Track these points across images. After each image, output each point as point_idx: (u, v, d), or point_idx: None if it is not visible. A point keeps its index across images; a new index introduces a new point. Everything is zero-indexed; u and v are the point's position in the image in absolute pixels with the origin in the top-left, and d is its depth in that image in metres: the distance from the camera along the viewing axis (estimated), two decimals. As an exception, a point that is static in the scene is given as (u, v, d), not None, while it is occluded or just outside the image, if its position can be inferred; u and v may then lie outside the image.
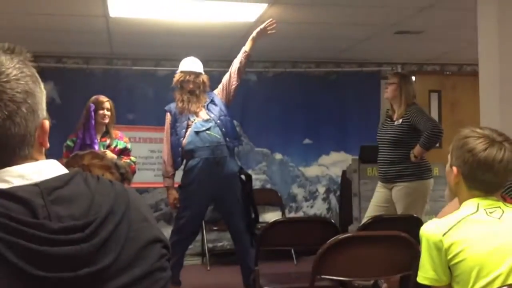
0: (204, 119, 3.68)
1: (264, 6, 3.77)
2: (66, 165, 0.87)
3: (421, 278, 1.55)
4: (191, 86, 3.69)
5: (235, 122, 4.26)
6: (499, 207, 1.55)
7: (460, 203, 1.61)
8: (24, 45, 0.88)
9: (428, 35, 4.64)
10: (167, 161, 3.78)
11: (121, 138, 3.84)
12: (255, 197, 3.85)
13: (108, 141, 3.76)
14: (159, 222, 5.21)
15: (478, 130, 1.58)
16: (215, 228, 5.11)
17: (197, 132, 3.65)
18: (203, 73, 3.76)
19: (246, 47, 3.71)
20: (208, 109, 3.72)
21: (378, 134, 3.86)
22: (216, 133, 3.65)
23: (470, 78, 5.28)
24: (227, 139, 3.67)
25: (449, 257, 1.49)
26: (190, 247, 4.02)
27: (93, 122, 3.71)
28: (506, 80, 2.98)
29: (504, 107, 2.98)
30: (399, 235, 2.21)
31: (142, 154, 4.98)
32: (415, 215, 3.24)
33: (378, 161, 3.81)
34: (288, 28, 4.22)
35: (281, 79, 5.64)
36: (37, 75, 0.85)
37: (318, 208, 5.70)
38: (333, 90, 5.71)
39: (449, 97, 5.98)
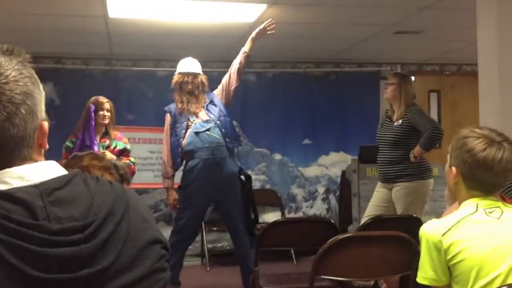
0: (204, 120, 3.68)
1: (263, 6, 3.77)
2: (66, 166, 0.87)
3: (420, 278, 1.55)
4: (190, 87, 3.69)
5: (234, 122, 4.26)
6: (499, 207, 1.55)
7: (460, 203, 1.61)
8: (23, 46, 0.88)
9: (427, 35, 4.64)
10: (167, 162, 3.78)
11: (120, 139, 3.84)
12: (255, 198, 3.85)
13: (107, 142, 3.76)
14: (159, 222, 5.21)
15: (477, 130, 1.58)
16: (214, 228, 5.11)
17: (196, 133, 3.65)
18: (201, 73, 3.76)
19: (246, 47, 3.71)
20: (207, 109, 3.72)
21: (377, 134, 3.86)
22: (216, 134, 3.65)
23: (469, 78, 5.29)
24: (227, 139, 3.67)
25: (448, 257, 1.49)
26: (189, 247, 4.02)
27: (93, 123, 3.71)
28: (505, 80, 2.99)
29: (504, 107, 2.98)
30: (399, 235, 2.21)
31: (141, 154, 4.98)
32: (414, 215, 3.24)
33: (378, 161, 3.81)
34: (288, 29, 4.22)
35: (281, 80, 5.65)
36: (36, 76, 0.86)
37: (318, 208, 5.70)
38: (333, 90, 5.71)
39: (449, 97, 5.98)
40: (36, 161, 0.84)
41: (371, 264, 2.25)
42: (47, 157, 0.87)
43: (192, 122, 3.68)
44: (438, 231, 1.51)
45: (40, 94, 0.85)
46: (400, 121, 3.68)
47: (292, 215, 5.56)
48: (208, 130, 3.65)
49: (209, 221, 4.92)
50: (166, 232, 4.05)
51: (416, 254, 1.65)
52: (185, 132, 3.68)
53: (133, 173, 3.81)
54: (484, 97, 3.10)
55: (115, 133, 3.84)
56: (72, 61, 5.32)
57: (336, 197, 5.67)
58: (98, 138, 3.74)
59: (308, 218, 4.83)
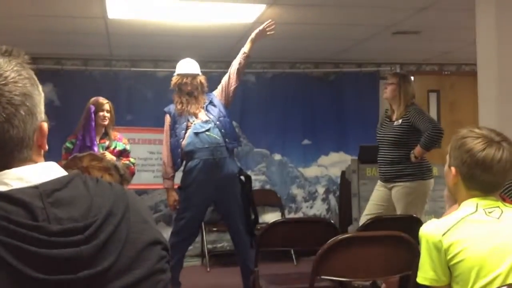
0: (203, 120, 3.68)
1: (262, 7, 3.77)
2: (65, 167, 0.87)
3: (420, 279, 1.55)
4: (189, 88, 3.69)
5: (234, 123, 4.26)
6: (498, 207, 1.55)
7: (459, 203, 1.61)
8: (23, 46, 0.88)
9: (426, 35, 4.65)
10: (167, 163, 3.78)
11: (120, 140, 3.84)
12: (255, 198, 3.84)
13: (107, 143, 3.76)
14: (159, 223, 5.21)
15: (476, 130, 1.58)
16: (214, 229, 5.11)
17: (196, 133, 3.65)
18: (200, 74, 3.76)
19: (245, 48, 3.71)
20: (207, 110, 3.72)
21: (377, 134, 3.86)
22: (216, 134, 3.65)
23: (468, 78, 5.29)
24: (227, 140, 3.67)
25: (448, 257, 1.49)
26: (190, 248, 4.02)
27: (93, 123, 3.71)
28: (504, 79, 2.99)
29: (503, 107, 2.98)
30: (399, 236, 2.21)
31: (141, 155, 4.98)
32: (414, 215, 3.24)
33: (378, 161, 3.81)
34: (287, 29, 4.22)
35: (280, 80, 5.65)
36: (35, 77, 0.85)
37: (318, 208, 5.70)
38: (332, 90, 5.71)
39: (448, 97, 5.98)
40: (35, 162, 0.84)
41: (371, 264, 2.25)
42: (47, 158, 0.87)
43: (192, 123, 3.68)
44: (438, 231, 1.51)
45: (39, 95, 0.85)
46: (400, 120, 3.68)
47: (292, 215, 5.57)
48: (207, 130, 3.65)
49: (209, 222, 4.92)
50: (166, 233, 4.05)
51: (416, 254, 1.65)
52: (185, 133, 3.68)
53: (132, 173, 3.81)
54: (483, 96, 3.10)
55: (114, 134, 3.84)
56: (72, 62, 5.32)
57: (336, 197, 5.68)
58: (98, 139, 3.74)
59: (308, 219, 4.83)
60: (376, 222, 2.96)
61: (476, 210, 1.53)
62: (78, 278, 0.75)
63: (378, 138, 3.85)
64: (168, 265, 0.87)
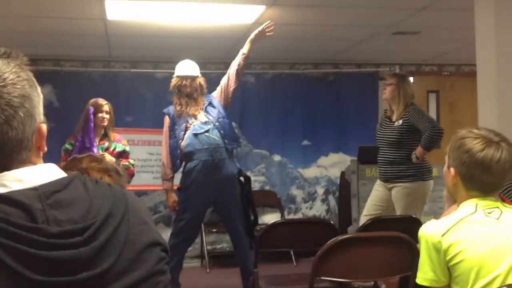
0: (203, 121, 3.68)
1: (262, 8, 3.77)
2: (65, 169, 0.87)
3: (420, 279, 1.55)
4: (188, 90, 3.69)
5: (233, 124, 4.26)
6: (498, 207, 1.55)
7: (458, 204, 1.61)
8: (22, 48, 0.88)
9: (425, 35, 4.65)
10: (166, 164, 3.78)
11: (119, 141, 3.84)
12: (254, 199, 3.84)
13: (106, 144, 3.76)
14: (158, 224, 5.21)
15: (475, 130, 1.58)
16: (214, 230, 5.11)
17: (195, 134, 3.65)
18: (199, 75, 3.76)
19: (244, 49, 3.71)
20: (206, 111, 3.72)
21: (377, 135, 3.86)
22: (215, 135, 3.65)
23: (468, 78, 5.29)
24: (226, 141, 3.67)
25: (448, 258, 1.49)
26: (189, 249, 4.02)
27: (92, 125, 3.71)
28: (504, 80, 2.99)
29: (502, 107, 2.99)
30: (399, 236, 2.21)
31: (140, 156, 4.98)
32: (414, 215, 3.24)
33: (378, 161, 3.81)
34: (286, 30, 4.22)
35: (280, 81, 5.65)
36: (34, 79, 0.86)
37: (317, 209, 5.70)
38: (331, 91, 5.72)
39: (447, 97, 5.99)
40: (34, 164, 0.84)
41: (371, 265, 2.25)
42: (47, 159, 0.87)
43: (191, 124, 3.68)
44: (437, 232, 1.51)
45: (38, 97, 0.85)
46: (401, 121, 3.68)
47: (291, 216, 5.56)
48: (207, 131, 3.65)
49: (208, 223, 4.92)
50: (166, 234, 4.05)
51: (416, 255, 1.65)
52: (184, 134, 3.68)
53: (132, 175, 3.81)
54: (482, 97, 3.11)
55: (114, 135, 3.84)
56: (71, 63, 5.32)
57: (336, 198, 5.67)
58: (97, 140, 3.74)
59: (307, 219, 4.82)
60: (375, 223, 2.96)
61: (476, 210, 1.53)
62: (77, 280, 0.75)
63: (377, 138, 3.85)
64: (167, 266, 0.87)
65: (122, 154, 3.80)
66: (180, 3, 3.68)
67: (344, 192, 5.33)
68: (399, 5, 3.81)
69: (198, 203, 3.65)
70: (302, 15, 4.01)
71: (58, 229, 0.76)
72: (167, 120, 3.80)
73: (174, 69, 3.82)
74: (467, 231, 1.49)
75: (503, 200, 1.65)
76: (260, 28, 3.66)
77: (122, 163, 3.71)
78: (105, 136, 3.78)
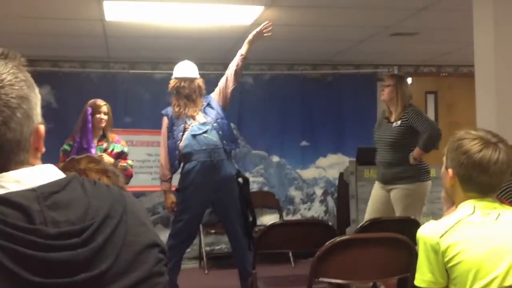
0: (201, 122, 3.68)
1: (260, 9, 3.78)
2: (63, 170, 0.87)
3: (418, 281, 1.55)
4: (186, 91, 3.69)
5: (232, 124, 4.26)
6: (496, 208, 1.55)
7: (456, 205, 1.61)
8: (21, 48, 0.88)
9: (424, 36, 4.66)
10: (164, 165, 3.77)
11: (118, 142, 3.84)
12: (253, 200, 3.84)
13: (105, 145, 3.76)
14: (157, 225, 5.21)
15: (473, 131, 1.58)
16: (212, 231, 5.10)
17: (194, 135, 3.65)
18: (198, 77, 3.76)
19: (242, 50, 3.71)
20: (205, 112, 3.71)
21: (375, 136, 3.86)
22: (213, 136, 3.65)
23: (466, 79, 5.30)
24: (224, 142, 3.66)
25: (446, 259, 1.49)
26: (187, 250, 4.01)
27: (90, 126, 3.70)
28: (502, 81, 3.00)
29: (500, 108, 2.99)
30: (397, 237, 2.21)
31: (139, 157, 4.97)
32: (412, 217, 3.24)
33: (377, 163, 3.81)
34: (284, 31, 4.23)
35: (278, 82, 5.65)
36: (31, 80, 0.85)
37: (316, 210, 5.70)
38: (330, 92, 5.72)
39: (446, 98, 6.00)
40: (32, 165, 0.84)
41: (369, 266, 2.25)
42: (45, 160, 0.87)
43: (189, 125, 3.68)
44: (436, 233, 1.51)
45: (36, 98, 0.85)
46: (399, 122, 3.68)
47: (290, 217, 5.57)
48: (205, 132, 3.65)
49: (207, 224, 4.92)
50: (164, 235, 4.05)
51: (414, 256, 1.65)
52: (182, 135, 3.68)
53: (130, 176, 3.80)
54: (481, 98, 3.11)
55: (112, 136, 3.84)
56: (70, 64, 5.32)
57: (334, 199, 5.68)
58: (95, 141, 3.74)
59: (306, 221, 4.83)
60: (374, 224, 2.96)
61: (474, 212, 1.53)
62: (75, 281, 0.75)
63: (376, 139, 3.85)
64: (165, 267, 0.87)
65: (121, 155, 3.80)
66: (178, 4, 3.68)
67: (343, 193, 5.34)
68: (397, 7, 3.82)
69: (196, 204, 3.65)
70: (300, 16, 4.02)
71: (56, 230, 0.76)
72: (165, 121, 3.80)
73: (172, 70, 3.82)
74: (465, 232, 1.49)
75: (501, 202, 1.65)
76: (258, 29, 3.66)
77: (120, 164, 3.72)
78: (104, 137, 3.78)
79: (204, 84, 3.78)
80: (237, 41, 4.19)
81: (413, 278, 1.59)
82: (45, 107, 0.88)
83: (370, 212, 3.77)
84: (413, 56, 5.61)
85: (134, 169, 4.07)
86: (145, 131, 5.10)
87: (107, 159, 3.51)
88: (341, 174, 5.45)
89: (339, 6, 3.81)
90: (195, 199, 3.62)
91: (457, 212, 1.56)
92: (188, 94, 3.70)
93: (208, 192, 3.61)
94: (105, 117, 3.75)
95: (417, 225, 2.70)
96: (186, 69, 3.74)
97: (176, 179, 3.81)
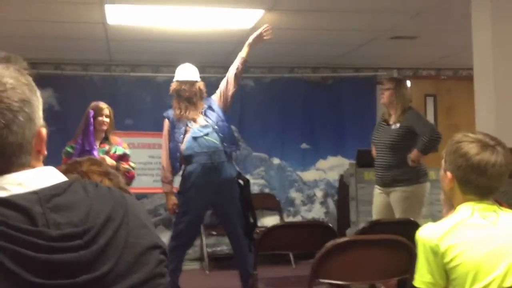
0: (202, 125, 3.69)
1: (261, 12, 3.79)
2: (65, 172, 0.87)
3: (418, 282, 1.55)
4: (187, 94, 3.70)
5: (232, 127, 4.27)
6: (494, 211, 1.55)
7: (455, 207, 1.61)
8: (23, 52, 0.89)
9: (423, 40, 4.66)
10: (166, 167, 3.78)
11: (120, 144, 3.85)
12: (253, 202, 3.85)
13: (107, 147, 3.77)
14: (158, 227, 5.21)
15: (471, 134, 1.59)
16: (214, 232, 5.11)
17: (195, 138, 3.66)
18: (199, 80, 3.77)
19: (243, 53, 3.73)
20: (205, 115, 3.72)
21: (374, 138, 3.86)
22: (214, 139, 3.66)
23: (465, 82, 5.30)
24: (225, 144, 3.67)
25: (445, 261, 1.49)
26: (189, 251, 4.02)
27: (92, 128, 3.72)
28: (501, 84, 3.00)
29: (500, 111, 3.00)
30: (397, 239, 2.22)
31: (141, 159, 4.99)
32: (412, 219, 3.25)
33: (375, 165, 3.81)
34: (285, 34, 4.24)
35: (278, 85, 5.67)
36: (33, 83, 0.86)
37: (316, 212, 5.70)
38: (330, 95, 5.74)
39: (445, 101, 6.00)
40: (34, 167, 0.84)
41: (369, 267, 2.26)
42: (47, 163, 0.87)
43: (190, 127, 3.69)
44: (435, 235, 1.51)
45: (38, 101, 0.86)
46: (398, 124, 3.69)
47: (290, 219, 5.57)
48: (206, 135, 3.66)
49: (208, 225, 4.93)
50: (166, 237, 4.06)
51: (414, 258, 1.66)
52: (183, 137, 3.69)
53: (133, 178, 3.82)
54: (480, 101, 3.12)
55: (114, 138, 3.85)
56: (72, 67, 5.34)
57: (334, 201, 5.68)
58: (97, 143, 3.75)
59: (306, 222, 4.84)
60: (374, 226, 2.97)
61: (472, 214, 1.54)
62: (76, 283, 0.75)
63: (374, 141, 3.85)
64: (166, 269, 0.87)
65: (123, 157, 3.81)
66: (179, 7, 3.69)
67: (343, 195, 5.35)
68: (397, 10, 3.83)
69: (197, 206, 3.66)
70: (300, 19, 4.03)
71: (58, 232, 0.76)
72: (166, 123, 3.81)
73: (174, 73, 3.83)
74: (464, 234, 1.50)
75: (499, 204, 1.65)
76: (257, 32, 3.67)
77: (122, 166, 3.73)
78: (106, 139, 3.80)
79: (205, 87, 3.79)
80: (238, 45, 4.20)
81: (412, 279, 1.60)
82: (48, 110, 0.89)
83: (378, 217, 3.76)
84: (412, 59, 5.62)
85: (136, 171, 4.09)
86: (146, 134, 5.12)
87: (109, 161, 3.53)
88: (341, 176, 5.46)
89: (339, 10, 3.82)
90: (196, 201, 3.63)
91: (456, 215, 1.56)
92: (189, 97, 3.71)
93: (209, 194, 3.62)
94: (107, 119, 3.77)
95: (416, 227, 2.69)
96: (187, 72, 3.76)
97: (177, 181, 3.82)
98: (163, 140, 3.83)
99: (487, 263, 1.46)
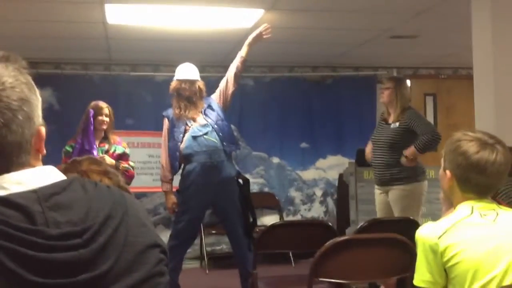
0: (202, 124, 3.69)
1: (260, 12, 3.79)
2: (64, 171, 0.87)
3: (417, 281, 1.56)
4: (187, 93, 3.71)
5: (232, 126, 4.28)
6: (493, 209, 1.56)
7: (455, 206, 1.62)
8: (23, 51, 0.89)
9: (423, 39, 4.67)
10: (165, 166, 3.79)
11: (119, 143, 3.85)
12: (253, 201, 3.85)
13: (106, 147, 3.77)
14: (158, 226, 5.22)
15: (470, 133, 1.59)
16: (213, 231, 5.11)
17: (194, 137, 3.66)
18: (199, 79, 3.77)
19: (242, 52, 3.73)
20: (205, 114, 3.73)
21: (373, 137, 3.87)
22: (214, 138, 3.66)
23: (465, 81, 5.31)
24: (224, 143, 3.68)
25: (444, 259, 1.49)
26: (188, 250, 4.02)
27: (91, 127, 3.72)
28: (500, 83, 3.01)
29: (499, 110, 3.00)
30: (396, 238, 2.22)
31: (140, 159, 4.99)
32: (411, 217, 3.25)
33: (374, 164, 3.82)
34: (285, 34, 4.24)
35: (278, 84, 5.67)
36: (32, 82, 0.86)
37: (316, 211, 5.71)
38: (330, 94, 5.74)
39: (445, 101, 6.00)
40: (33, 166, 0.84)
41: (369, 266, 2.26)
42: (47, 162, 0.87)
43: (190, 127, 3.69)
44: (434, 234, 1.51)
45: (37, 100, 0.86)
46: (397, 123, 3.69)
47: (290, 218, 5.58)
48: (205, 134, 3.66)
49: (207, 224, 4.93)
50: (165, 236, 4.06)
51: (413, 257, 1.66)
52: (183, 136, 3.69)
53: (132, 177, 3.82)
54: (479, 100, 3.12)
55: (114, 137, 3.85)
56: (72, 66, 5.34)
57: (334, 200, 5.69)
58: (97, 142, 3.76)
59: (306, 221, 4.84)
60: (373, 225, 2.97)
61: (472, 212, 1.54)
62: (76, 281, 0.75)
63: (373, 140, 3.86)
64: (166, 268, 0.87)
65: (122, 157, 3.82)
66: (179, 7, 3.69)
67: (342, 194, 5.35)
68: (396, 10, 3.83)
69: (197, 205, 3.66)
70: (300, 19, 4.03)
71: (57, 231, 0.76)
72: (166, 122, 3.81)
73: (174, 72, 3.84)
74: (463, 233, 1.50)
75: (498, 203, 1.66)
76: (257, 31, 3.67)
77: (122, 165, 3.73)
78: (105, 138, 3.80)
79: (204, 87, 3.80)
80: (238, 44, 4.21)
81: (412, 278, 1.60)
82: (47, 109, 0.90)
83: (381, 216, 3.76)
84: (412, 59, 5.62)
85: (136, 170, 4.09)
86: (146, 133, 5.12)
87: (109, 160, 3.53)
88: (340, 175, 5.46)
89: (339, 10, 3.82)
90: (195, 200, 3.63)
91: (455, 213, 1.57)
92: (189, 96, 3.71)
93: (209, 193, 3.62)
94: (107, 119, 3.77)
95: (416, 225, 2.71)
96: (187, 71, 3.76)
97: (177, 180, 3.82)
98: (163, 139, 3.83)
99: (487, 261, 1.46)
